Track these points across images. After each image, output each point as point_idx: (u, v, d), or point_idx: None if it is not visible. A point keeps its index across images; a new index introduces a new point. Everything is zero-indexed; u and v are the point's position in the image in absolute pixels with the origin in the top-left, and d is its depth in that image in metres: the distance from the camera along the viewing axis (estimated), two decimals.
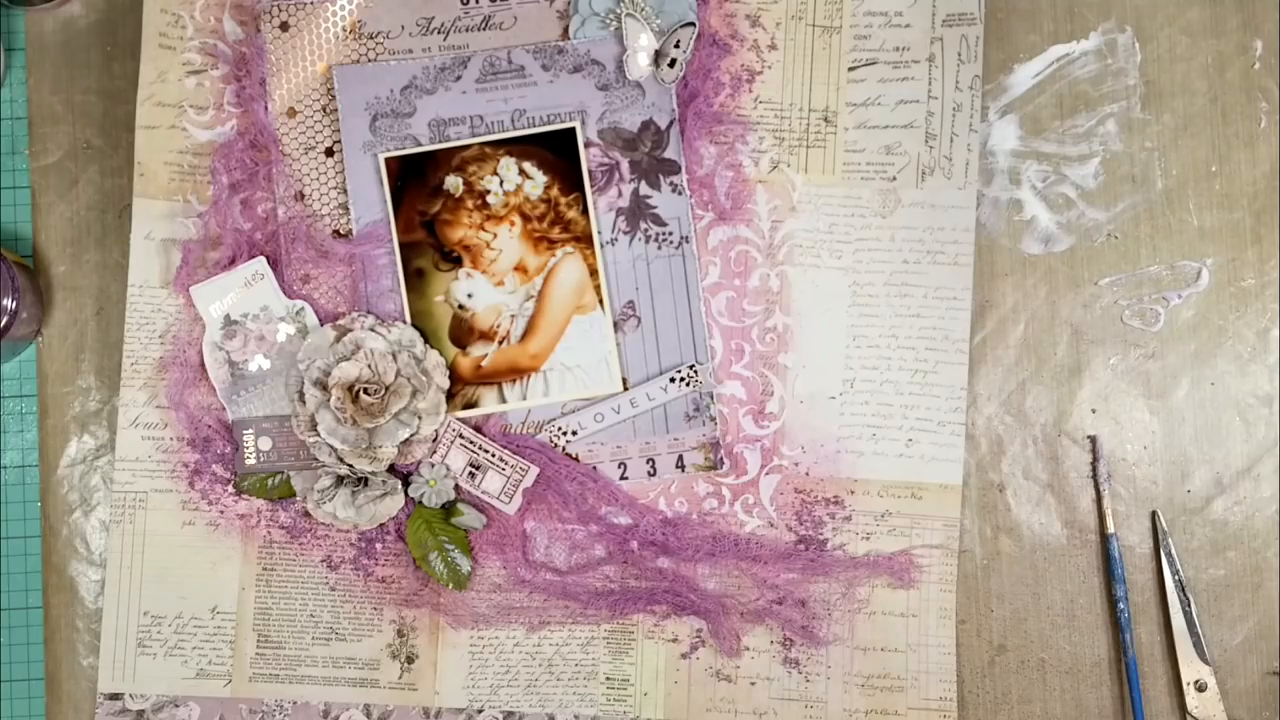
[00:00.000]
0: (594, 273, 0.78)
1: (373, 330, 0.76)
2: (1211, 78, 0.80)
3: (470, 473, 0.77)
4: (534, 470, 0.77)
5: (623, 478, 0.78)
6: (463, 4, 0.77)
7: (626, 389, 0.78)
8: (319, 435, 0.75)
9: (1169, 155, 0.80)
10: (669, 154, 0.78)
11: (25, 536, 0.79)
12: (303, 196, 0.78)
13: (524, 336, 0.78)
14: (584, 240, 0.78)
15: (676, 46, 0.77)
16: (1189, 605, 0.78)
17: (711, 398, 0.78)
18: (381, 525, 0.78)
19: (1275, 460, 0.79)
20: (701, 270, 0.78)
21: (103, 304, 0.80)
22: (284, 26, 0.77)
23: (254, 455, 0.77)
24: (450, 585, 0.78)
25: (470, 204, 0.77)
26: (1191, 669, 0.78)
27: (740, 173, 0.79)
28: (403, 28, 0.78)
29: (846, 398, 0.79)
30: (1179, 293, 0.80)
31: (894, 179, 0.79)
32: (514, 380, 0.78)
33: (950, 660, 0.78)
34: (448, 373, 0.77)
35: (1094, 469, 0.79)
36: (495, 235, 0.78)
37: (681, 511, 0.79)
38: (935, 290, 0.79)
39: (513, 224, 0.78)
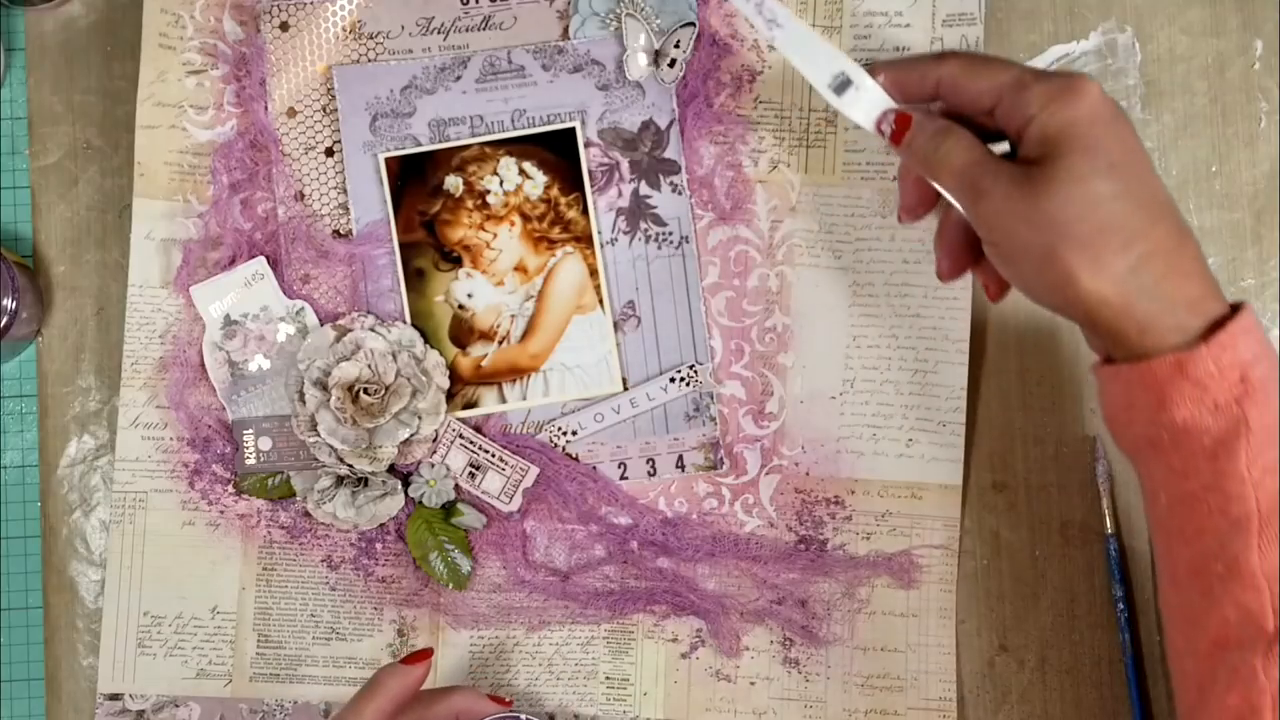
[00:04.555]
0: (594, 273, 0.78)
1: (373, 330, 0.76)
2: (1211, 78, 0.80)
3: (470, 473, 0.77)
4: (534, 470, 0.77)
5: (623, 478, 0.78)
6: (463, 4, 0.77)
7: (626, 389, 0.78)
8: (319, 435, 0.75)
9: (1169, 155, 0.80)
10: (669, 154, 0.78)
11: (25, 536, 0.79)
12: (303, 196, 0.78)
13: (524, 336, 0.78)
14: (584, 240, 0.78)
15: (676, 46, 0.77)
16: None
17: (711, 398, 0.78)
18: (381, 525, 0.78)
19: None
20: (701, 270, 0.78)
21: (103, 304, 0.80)
22: (284, 26, 0.77)
23: (254, 455, 0.77)
24: (450, 585, 0.78)
25: (470, 204, 0.77)
26: None
27: (740, 173, 0.79)
28: (403, 28, 0.78)
29: (846, 398, 0.79)
30: None
31: (894, 179, 0.79)
32: (514, 380, 0.78)
33: (950, 660, 0.78)
34: (448, 373, 0.77)
35: (1094, 469, 0.79)
36: (495, 235, 0.78)
37: (681, 511, 0.78)
38: (935, 290, 0.78)
39: (513, 224, 0.78)
